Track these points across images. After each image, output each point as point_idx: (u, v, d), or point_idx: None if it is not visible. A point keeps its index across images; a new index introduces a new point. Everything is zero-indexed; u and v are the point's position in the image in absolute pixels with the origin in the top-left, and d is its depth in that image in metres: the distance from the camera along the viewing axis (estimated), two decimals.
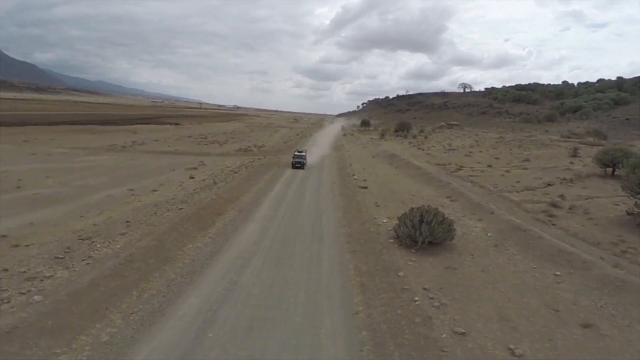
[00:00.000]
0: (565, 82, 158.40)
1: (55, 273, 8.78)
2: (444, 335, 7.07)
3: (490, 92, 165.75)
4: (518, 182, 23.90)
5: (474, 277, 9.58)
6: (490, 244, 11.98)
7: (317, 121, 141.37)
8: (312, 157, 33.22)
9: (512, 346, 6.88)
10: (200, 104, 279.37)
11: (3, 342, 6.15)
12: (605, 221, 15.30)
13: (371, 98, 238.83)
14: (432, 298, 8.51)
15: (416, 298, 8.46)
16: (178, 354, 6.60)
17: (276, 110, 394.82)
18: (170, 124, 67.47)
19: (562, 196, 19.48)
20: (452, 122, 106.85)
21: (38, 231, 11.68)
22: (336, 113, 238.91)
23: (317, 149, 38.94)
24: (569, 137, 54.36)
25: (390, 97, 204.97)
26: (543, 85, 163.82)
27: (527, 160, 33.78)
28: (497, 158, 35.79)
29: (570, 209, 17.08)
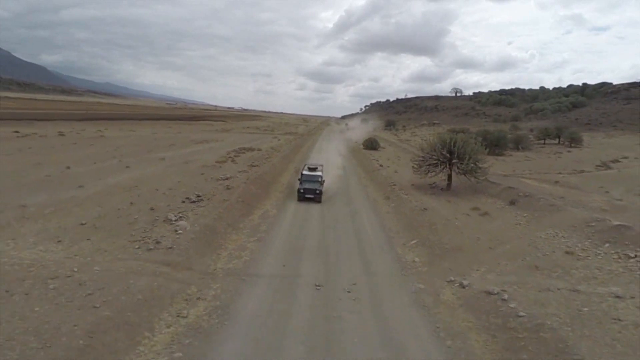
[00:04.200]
0: (542, 87, 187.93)
1: (282, 150, 38.16)
2: (375, 164, 35.89)
3: (476, 96, 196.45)
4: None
5: (382, 154, 38.95)
6: (392, 151, 41.39)
7: (324, 121, 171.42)
8: (331, 134, 62.18)
9: (382, 163, 36.17)
10: (215, 106, 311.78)
11: (288, 151, 35.49)
12: None
13: (374, 101, 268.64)
14: (373, 157, 37.82)
15: (369, 156, 37.71)
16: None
17: (281, 112, 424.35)
18: (220, 121, 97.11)
19: None
20: (435, 122, 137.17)
21: (259, 147, 40.91)
22: (339, 115, 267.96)
23: (335, 134, 68.45)
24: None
25: (391, 100, 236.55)
26: (523, 90, 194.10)
27: None
28: None
29: None
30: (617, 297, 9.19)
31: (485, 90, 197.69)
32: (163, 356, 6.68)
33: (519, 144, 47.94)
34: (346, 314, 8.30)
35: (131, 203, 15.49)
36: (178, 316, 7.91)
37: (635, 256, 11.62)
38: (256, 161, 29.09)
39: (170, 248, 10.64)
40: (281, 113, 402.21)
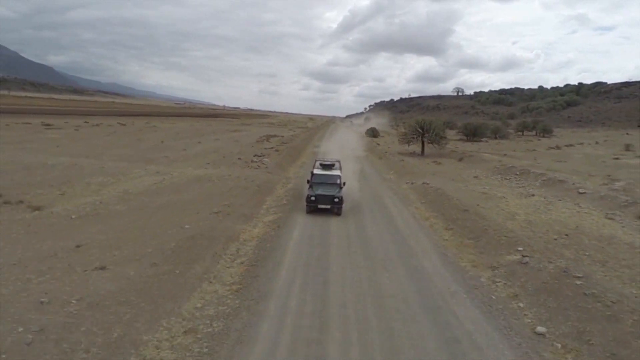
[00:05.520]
0: (540, 87, 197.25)
1: (300, 137, 48.83)
2: (374, 144, 46.26)
3: (477, 95, 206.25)
4: None
5: (380, 139, 49.37)
6: (389, 138, 51.83)
7: (329, 120, 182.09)
8: (338, 128, 72.65)
9: (379, 143, 46.58)
10: (224, 106, 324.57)
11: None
12: None
13: (378, 100, 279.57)
14: (373, 141, 48.28)
15: (370, 140, 48.16)
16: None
17: (286, 112, 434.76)
18: (235, 118, 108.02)
19: None
20: None
21: (282, 134, 51.57)
22: (344, 115, 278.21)
23: (341, 128, 78.92)
24: None
25: (395, 99, 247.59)
26: (522, 89, 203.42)
27: None
28: None
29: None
30: (484, 188, 19.64)
31: (490, 89, 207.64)
32: (285, 192, 17.22)
33: (496, 134, 58.10)
34: (356, 187, 18.85)
35: (223, 157, 26.08)
36: (283, 187, 18.47)
37: (509, 179, 22.08)
38: (284, 141, 39.65)
39: (266, 167, 21.29)
40: (286, 113, 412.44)
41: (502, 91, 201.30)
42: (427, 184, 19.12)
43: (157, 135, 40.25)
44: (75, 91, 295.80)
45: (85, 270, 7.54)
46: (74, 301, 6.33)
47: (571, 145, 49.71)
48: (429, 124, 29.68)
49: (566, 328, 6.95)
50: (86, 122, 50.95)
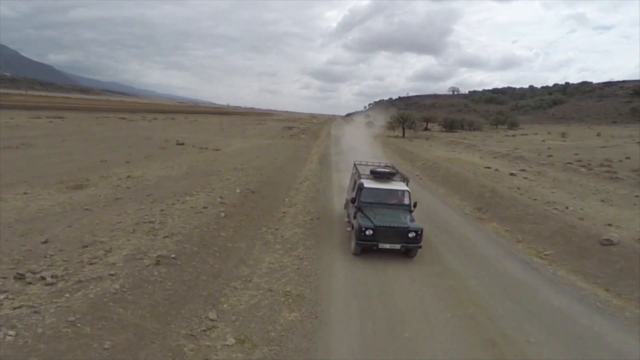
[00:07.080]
0: (531, 86, 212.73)
1: (312, 128, 64.35)
2: (370, 132, 61.68)
3: (471, 94, 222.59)
4: None
5: (376, 130, 64.99)
6: (382, 129, 67.44)
7: (330, 118, 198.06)
8: (341, 124, 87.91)
9: (374, 131, 62.33)
10: (227, 104, 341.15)
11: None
12: None
13: (377, 99, 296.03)
14: (371, 130, 63.81)
15: (367, 130, 63.72)
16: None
17: (287, 111, 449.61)
18: (244, 115, 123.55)
19: None
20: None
21: (297, 126, 67.02)
22: (344, 113, 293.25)
23: (344, 124, 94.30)
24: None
25: (393, 98, 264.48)
26: (514, 88, 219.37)
27: None
28: None
29: None
30: (429, 149, 35.29)
31: (484, 89, 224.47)
32: (320, 148, 32.89)
33: (471, 126, 73.67)
34: (362, 144, 34.39)
35: (270, 137, 41.56)
36: (317, 147, 34.21)
37: (449, 146, 37.73)
38: (303, 130, 55.21)
39: (304, 140, 36.90)
40: (287, 111, 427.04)
41: (495, 90, 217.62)
42: (399, 147, 34.73)
43: (207, 126, 55.73)
44: (82, 90, 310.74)
45: (270, 159, 23.02)
46: (279, 163, 21.90)
47: (525, 134, 65.22)
48: (407, 115, 45.32)
49: (426, 174, 22.72)
50: (144, 117, 66.29)
